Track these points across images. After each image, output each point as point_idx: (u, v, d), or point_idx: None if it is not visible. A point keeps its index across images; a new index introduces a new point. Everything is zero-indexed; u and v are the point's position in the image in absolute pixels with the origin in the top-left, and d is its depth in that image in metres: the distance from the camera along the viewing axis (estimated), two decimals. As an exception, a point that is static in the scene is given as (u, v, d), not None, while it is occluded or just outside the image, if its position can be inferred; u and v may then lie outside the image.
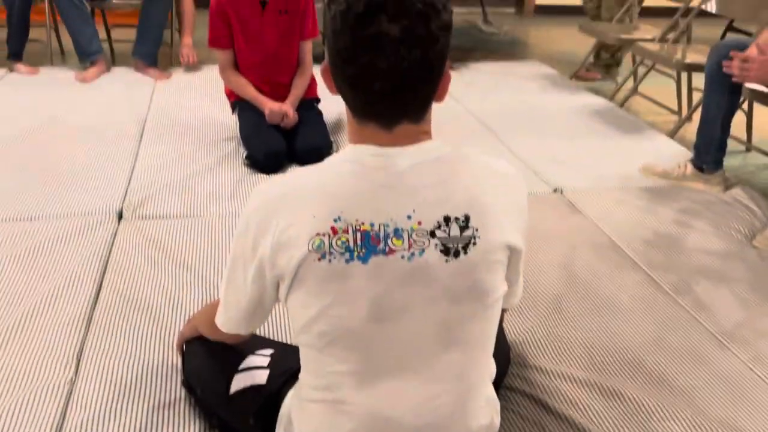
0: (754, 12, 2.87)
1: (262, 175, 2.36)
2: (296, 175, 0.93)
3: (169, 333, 1.52)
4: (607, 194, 2.32)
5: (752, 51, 2.08)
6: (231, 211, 2.11)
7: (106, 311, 1.59)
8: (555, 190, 2.35)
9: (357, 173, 0.88)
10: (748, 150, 2.86)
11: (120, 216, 2.04)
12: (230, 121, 2.69)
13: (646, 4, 3.59)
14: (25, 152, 2.40)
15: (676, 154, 2.65)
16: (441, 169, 0.90)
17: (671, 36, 3.20)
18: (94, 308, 1.60)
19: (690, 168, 2.41)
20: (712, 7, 3.06)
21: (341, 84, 0.88)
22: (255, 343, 1.20)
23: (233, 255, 0.96)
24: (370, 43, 0.82)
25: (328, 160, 0.92)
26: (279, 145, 2.43)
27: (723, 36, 4.06)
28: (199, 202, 2.15)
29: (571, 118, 3.05)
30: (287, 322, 1.55)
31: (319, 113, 2.62)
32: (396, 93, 0.85)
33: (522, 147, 2.68)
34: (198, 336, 1.22)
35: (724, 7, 3.05)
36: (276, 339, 1.47)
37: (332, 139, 2.55)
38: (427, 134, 0.92)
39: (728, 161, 2.43)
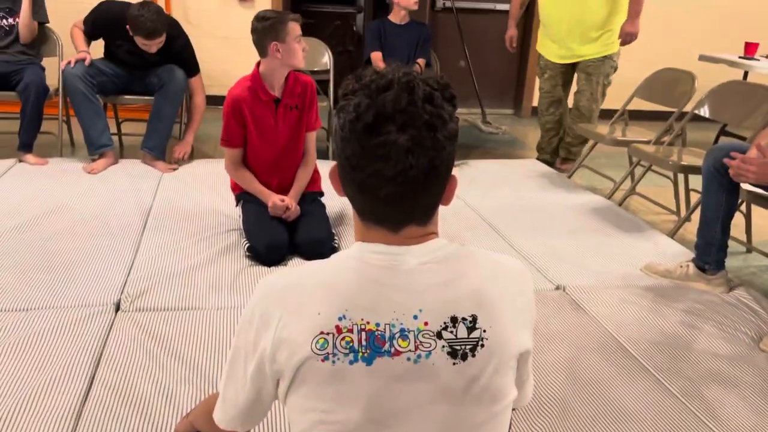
0: (746, 117, 2.97)
1: (263, 267, 2.35)
2: (303, 269, 0.92)
3: (161, 430, 1.46)
4: (610, 293, 2.30)
5: (752, 152, 2.13)
6: (230, 304, 2.08)
7: (96, 407, 1.54)
8: (557, 288, 2.33)
9: (363, 271, 0.87)
10: (748, 251, 2.87)
11: (117, 307, 2.01)
12: (233, 213, 2.71)
13: (635, 107, 3.71)
14: (28, 242, 2.40)
15: (677, 254, 2.65)
16: (448, 268, 0.89)
17: (666, 138, 3.29)
18: (84, 403, 1.54)
19: (692, 268, 2.41)
20: (705, 112, 3.16)
21: (349, 188, 0.90)
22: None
23: (235, 348, 0.94)
24: (378, 152, 0.83)
25: (335, 257, 0.92)
26: (281, 237, 2.43)
27: (716, 139, 4.20)
28: (199, 294, 2.12)
29: (570, 215, 3.08)
30: (284, 420, 1.49)
31: (322, 206, 2.65)
32: (403, 199, 0.86)
33: (523, 243, 2.68)
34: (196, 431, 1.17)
35: (717, 112, 3.16)
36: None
37: (335, 231, 2.56)
38: (434, 234, 0.92)
39: (729, 262, 2.42)
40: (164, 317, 1.96)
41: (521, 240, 2.72)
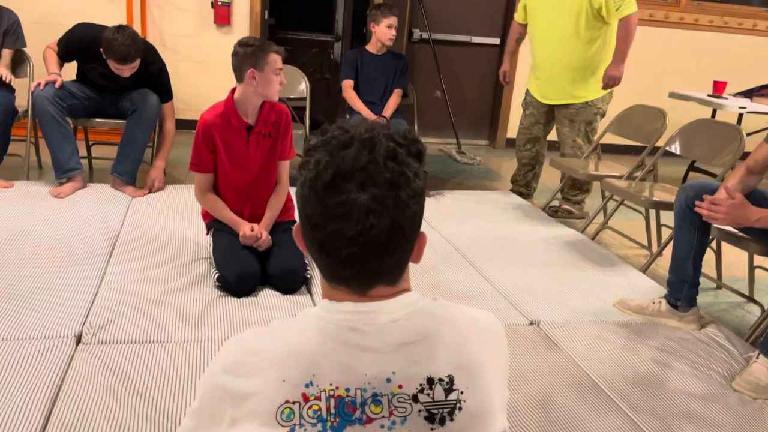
0: (715, 155, 3.02)
1: (232, 299, 2.29)
2: (267, 333, 0.87)
3: (118, 475, 1.39)
4: (584, 328, 2.29)
5: (721, 193, 2.15)
6: (196, 337, 2.02)
7: (51, 448, 1.46)
8: (531, 323, 2.32)
9: (330, 332, 0.82)
10: (718, 288, 2.90)
11: (79, 339, 1.93)
12: (204, 241, 2.65)
13: (607, 141, 3.75)
14: (-13, 268, 2.31)
15: (649, 290, 2.66)
16: (422, 325, 0.84)
17: (638, 174, 3.33)
18: (37, 444, 1.47)
19: (665, 304, 2.41)
20: (676, 148, 3.21)
21: (311, 248, 0.85)
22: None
23: (197, 408, 0.88)
24: (337, 211, 0.79)
25: (301, 317, 0.87)
26: (252, 267, 2.38)
27: (686, 174, 4.27)
28: (165, 325, 2.06)
29: (544, 248, 3.08)
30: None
31: (295, 235, 2.61)
32: (366, 260, 0.81)
33: (498, 277, 2.67)
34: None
35: (687, 149, 3.21)
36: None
37: (307, 261, 2.52)
38: (405, 290, 0.87)
39: (700, 298, 2.44)
40: (127, 350, 1.89)
41: (495, 273, 2.71)
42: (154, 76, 3.37)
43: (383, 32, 3.78)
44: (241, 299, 2.29)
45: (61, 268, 2.37)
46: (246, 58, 2.33)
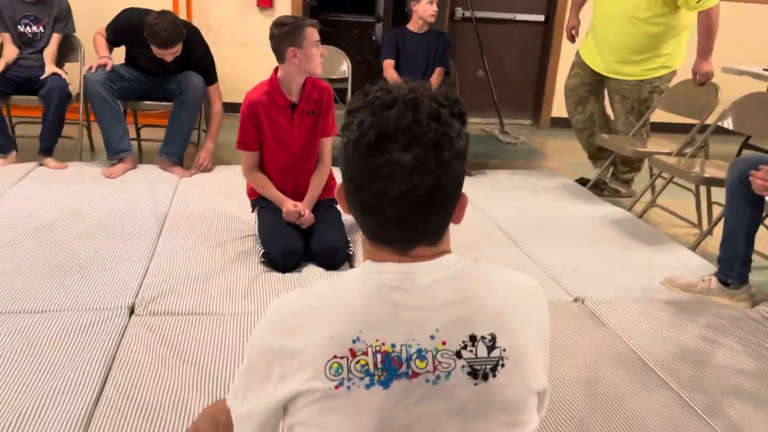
0: (770, 130, 2.91)
1: (277, 274, 2.33)
2: (312, 292, 0.88)
3: (171, 438, 1.45)
4: (630, 306, 2.26)
5: (776, 165, 2.08)
6: (244, 310, 2.07)
7: (108, 411, 1.53)
8: (576, 300, 2.29)
9: (375, 291, 0.84)
10: (772, 266, 2.80)
11: (132, 311, 2.00)
12: (249, 219, 2.70)
13: (657, 119, 3.64)
14: (45, 245, 2.41)
15: (698, 267, 2.60)
16: (463, 285, 0.85)
17: (689, 150, 3.23)
18: (95, 408, 1.53)
19: (715, 282, 2.35)
20: (728, 123, 3.11)
21: (354, 208, 0.86)
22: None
23: (246, 370, 0.90)
24: (381, 172, 0.80)
25: (345, 277, 0.89)
26: (296, 244, 2.42)
27: (739, 151, 4.12)
28: (213, 299, 2.11)
29: (589, 227, 3.04)
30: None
31: (337, 213, 2.63)
32: (409, 219, 0.82)
33: (541, 254, 2.64)
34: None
35: (741, 124, 3.10)
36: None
37: (350, 239, 2.55)
38: (446, 252, 0.88)
39: (753, 277, 2.37)
40: (178, 322, 1.96)
41: (539, 251, 2.68)
42: (199, 60, 3.43)
43: (424, 9, 3.75)
44: (285, 275, 2.33)
45: (114, 244, 2.46)
46: (284, 37, 2.35)
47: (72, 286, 2.11)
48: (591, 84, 3.63)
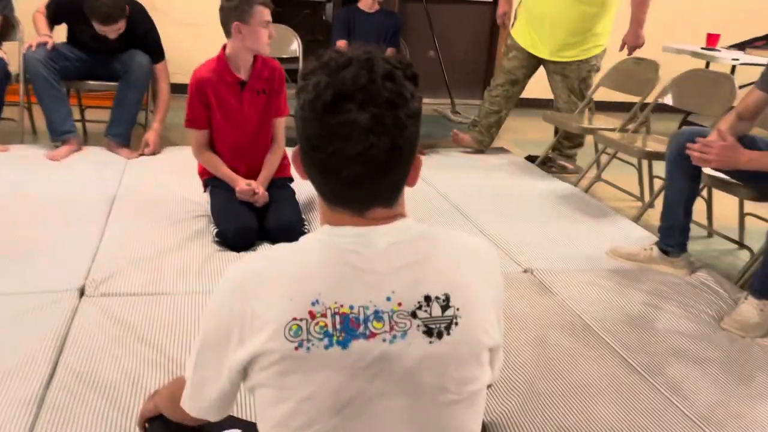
0: (708, 104, 3.04)
1: (231, 252, 2.32)
2: (270, 255, 0.90)
3: (128, 414, 1.44)
4: (577, 275, 2.34)
5: (713, 136, 2.18)
6: (198, 289, 2.06)
7: (60, 392, 1.51)
8: (525, 271, 2.36)
9: (333, 255, 0.86)
10: (710, 235, 2.94)
11: (82, 293, 1.97)
12: (201, 199, 2.68)
13: (600, 98, 3.75)
14: (-13, 227, 2.34)
15: (641, 238, 2.71)
16: (418, 248, 0.88)
17: (631, 126, 3.35)
18: (47, 389, 1.51)
19: (656, 251, 2.46)
20: (669, 100, 3.23)
21: (311, 170, 0.88)
22: (220, 422, 1.13)
23: (203, 337, 0.91)
24: (338, 131, 0.81)
25: (303, 240, 0.90)
26: (250, 221, 2.41)
27: (680, 128, 4.28)
28: (166, 279, 2.09)
29: (538, 202, 3.12)
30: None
31: (292, 191, 2.63)
32: (366, 179, 0.84)
33: (492, 228, 2.71)
34: (160, 414, 1.15)
35: (681, 100, 3.22)
36: (243, 417, 1.39)
37: (305, 216, 2.55)
38: (401, 215, 0.91)
39: (692, 246, 2.48)
40: (131, 302, 1.93)
41: (491, 225, 2.75)
42: (143, 37, 3.34)
43: None
44: (240, 253, 2.33)
45: (61, 227, 2.40)
46: (231, 11, 2.33)
47: (18, 270, 2.05)
48: (527, 67, 3.71)
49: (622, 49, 3.41)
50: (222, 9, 2.34)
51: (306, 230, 2.51)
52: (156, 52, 3.41)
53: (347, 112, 0.81)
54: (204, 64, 2.46)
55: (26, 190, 2.74)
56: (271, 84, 2.51)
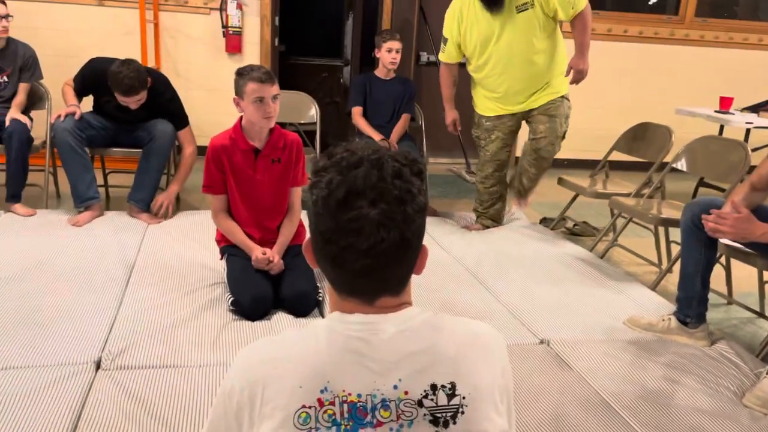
0: (721, 172, 3.05)
1: (246, 322, 2.34)
2: (281, 340, 0.93)
3: (138, 498, 1.43)
4: (594, 347, 2.31)
5: (727, 208, 2.18)
6: (213, 361, 2.06)
7: (73, 472, 1.51)
8: (542, 342, 2.34)
9: (341, 342, 0.88)
10: (729, 303, 2.90)
11: (98, 365, 1.98)
12: (218, 266, 2.71)
13: (614, 158, 3.76)
14: (10, 298, 2.38)
15: (658, 306, 2.68)
16: (425, 336, 0.90)
17: (646, 191, 3.35)
18: (60, 469, 1.51)
19: (674, 321, 2.43)
20: (682, 165, 3.24)
21: (323, 262, 0.92)
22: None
23: (211, 423, 0.93)
24: (350, 226, 0.85)
25: (312, 326, 0.93)
26: (265, 290, 2.43)
27: (695, 191, 4.29)
28: (181, 350, 2.10)
29: (554, 267, 3.11)
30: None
31: (307, 260, 2.65)
32: (375, 271, 0.88)
33: (508, 296, 2.70)
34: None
35: (694, 166, 3.24)
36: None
37: (319, 285, 2.57)
38: (407, 303, 0.94)
39: (711, 314, 2.45)
40: (145, 375, 1.94)
41: (505, 292, 2.74)
42: (165, 105, 3.46)
43: (384, 56, 3.87)
44: (255, 323, 2.34)
45: (80, 296, 2.44)
46: (235, 85, 2.43)
47: (37, 341, 2.08)
48: (511, 142, 3.54)
49: (567, 73, 3.22)
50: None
51: (321, 298, 2.52)
52: (179, 119, 3.52)
53: (359, 209, 0.85)
54: (222, 132, 2.54)
55: (48, 257, 2.80)
56: (289, 154, 2.57)
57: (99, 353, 2.03)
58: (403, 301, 0.93)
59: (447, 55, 3.47)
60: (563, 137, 3.40)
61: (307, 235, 0.97)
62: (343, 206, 0.86)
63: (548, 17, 3.17)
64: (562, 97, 3.35)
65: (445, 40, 3.42)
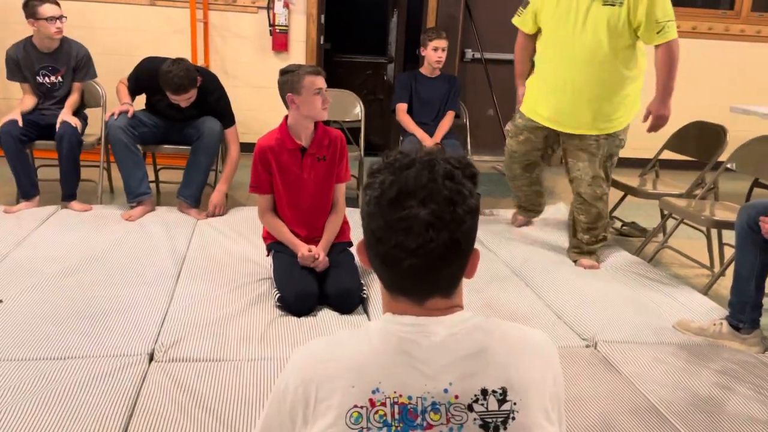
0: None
1: (293, 318, 2.37)
2: (334, 341, 0.95)
3: (191, 488, 1.47)
4: (642, 351, 2.27)
5: (783, 212, 2.11)
6: (260, 356, 2.10)
7: (129, 460, 1.56)
8: (588, 345, 2.31)
9: (393, 344, 0.90)
10: (785, 308, 2.80)
11: (151, 357, 2.05)
12: (265, 262, 2.76)
13: (666, 156, 3.66)
14: (65, 291, 2.47)
15: (709, 310, 2.61)
16: (476, 340, 0.91)
17: (698, 192, 3.27)
18: (117, 457, 1.57)
19: (726, 326, 2.36)
20: (736, 166, 3.14)
21: (374, 261, 0.93)
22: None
23: (266, 419, 0.95)
24: (400, 225, 0.87)
25: (366, 329, 0.94)
26: (311, 287, 2.46)
27: (749, 191, 4.15)
28: (230, 345, 2.15)
29: (601, 268, 3.06)
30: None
31: (351, 256, 2.68)
32: (425, 271, 0.89)
33: (553, 297, 2.67)
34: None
35: (748, 167, 3.14)
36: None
37: (363, 281, 2.59)
38: (458, 306, 0.94)
39: (765, 320, 2.38)
40: (196, 368, 2.00)
41: (551, 293, 2.71)
42: (214, 103, 3.53)
43: (430, 55, 3.87)
44: (300, 319, 2.38)
45: (133, 289, 2.51)
46: (284, 85, 2.46)
47: (94, 332, 2.16)
48: (542, 149, 3.21)
49: (645, 119, 2.90)
50: (278, 83, 2.48)
51: (365, 295, 2.54)
52: (226, 118, 3.58)
53: (409, 208, 0.87)
54: (268, 133, 2.58)
55: (103, 251, 2.89)
56: (333, 151, 2.60)
57: (152, 345, 2.10)
58: (454, 304, 0.94)
59: (522, 21, 3.09)
60: (607, 179, 3.02)
61: (357, 235, 0.99)
62: (393, 205, 0.88)
63: (631, 28, 2.75)
64: (611, 135, 2.93)
65: (525, 4, 3.05)
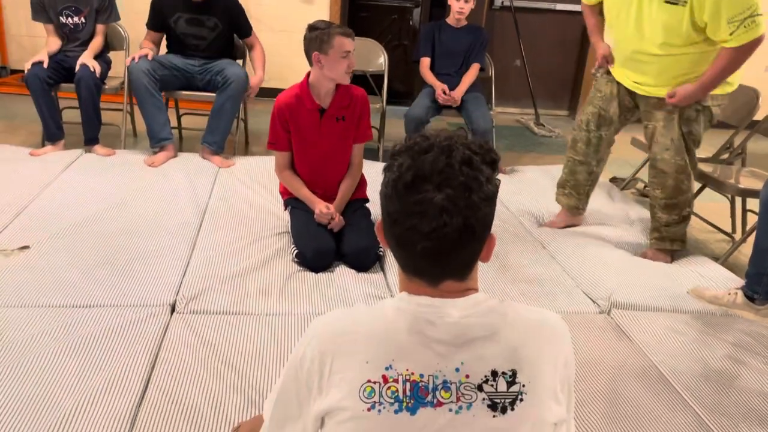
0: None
1: (310, 274, 2.41)
2: (352, 315, 0.97)
3: (210, 441, 1.54)
4: (656, 319, 2.28)
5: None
6: (278, 311, 2.15)
7: (150, 411, 1.63)
8: (601, 312, 2.33)
9: (408, 322, 0.92)
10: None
11: (173, 309, 2.11)
12: (285, 215, 2.78)
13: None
14: (90, 239, 2.52)
15: (726, 279, 2.60)
16: (489, 323, 0.93)
17: (726, 156, 3.20)
18: (139, 407, 1.64)
19: (741, 296, 2.36)
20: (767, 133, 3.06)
21: (390, 242, 0.95)
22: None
23: (283, 385, 0.99)
24: (415, 209, 0.89)
25: (382, 305, 0.96)
26: (328, 244, 2.49)
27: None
28: (249, 298, 2.20)
29: (619, 230, 3.04)
30: None
31: (368, 213, 2.69)
32: (438, 254, 0.90)
33: (569, 259, 2.67)
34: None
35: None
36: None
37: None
38: (473, 289, 0.96)
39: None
40: (216, 321, 2.05)
41: (567, 255, 2.71)
42: (235, 17, 3.57)
43: (453, 4, 3.77)
44: (318, 275, 2.41)
45: (155, 239, 2.56)
46: (312, 42, 2.40)
47: (118, 281, 2.22)
48: (622, 106, 2.79)
49: (668, 96, 2.54)
50: (305, 39, 2.42)
51: (381, 252, 2.56)
52: (245, 27, 3.66)
53: (424, 192, 0.88)
54: (288, 90, 2.55)
55: (125, 199, 2.94)
56: (353, 111, 2.57)
57: (174, 297, 2.15)
58: (468, 287, 0.95)
59: None
60: (688, 150, 2.61)
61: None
62: (410, 189, 0.89)
63: (697, 26, 2.38)
64: (705, 106, 2.57)
65: None
